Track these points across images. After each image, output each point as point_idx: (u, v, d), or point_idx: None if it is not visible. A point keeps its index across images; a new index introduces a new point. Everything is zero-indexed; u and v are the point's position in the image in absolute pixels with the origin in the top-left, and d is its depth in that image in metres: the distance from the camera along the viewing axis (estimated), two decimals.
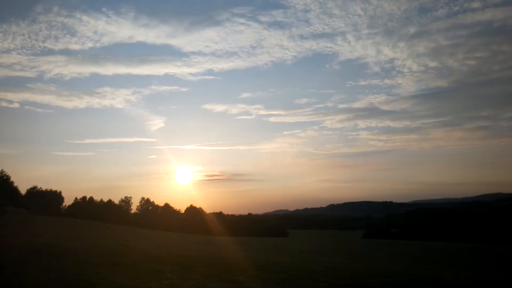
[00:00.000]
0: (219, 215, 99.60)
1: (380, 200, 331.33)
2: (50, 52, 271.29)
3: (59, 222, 51.09)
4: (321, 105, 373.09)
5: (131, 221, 79.75)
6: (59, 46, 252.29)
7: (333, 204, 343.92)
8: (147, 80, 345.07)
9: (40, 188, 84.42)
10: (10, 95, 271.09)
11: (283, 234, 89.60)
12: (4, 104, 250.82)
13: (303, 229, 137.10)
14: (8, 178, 73.77)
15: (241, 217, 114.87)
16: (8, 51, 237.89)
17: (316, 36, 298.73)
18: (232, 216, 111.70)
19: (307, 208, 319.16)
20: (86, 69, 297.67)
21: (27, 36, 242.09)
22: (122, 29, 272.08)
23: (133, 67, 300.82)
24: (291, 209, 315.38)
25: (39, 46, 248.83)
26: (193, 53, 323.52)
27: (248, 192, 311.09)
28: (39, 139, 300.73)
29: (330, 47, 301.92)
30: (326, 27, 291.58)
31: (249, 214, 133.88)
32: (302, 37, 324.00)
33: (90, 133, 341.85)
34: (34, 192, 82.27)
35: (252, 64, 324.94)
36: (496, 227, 72.85)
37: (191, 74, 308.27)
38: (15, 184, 76.26)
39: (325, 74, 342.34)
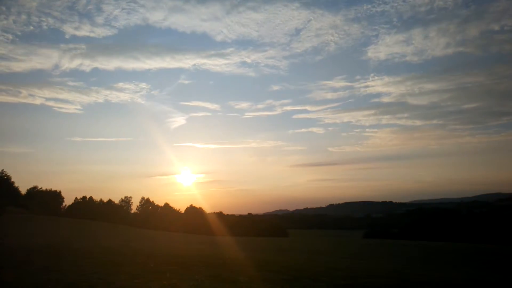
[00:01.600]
0: (219, 215, 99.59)
1: (380, 200, 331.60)
2: (72, 39, 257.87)
3: (59, 222, 51.09)
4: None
5: (131, 221, 79.75)
6: (83, 31, 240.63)
7: (333, 204, 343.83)
8: (173, 73, 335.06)
9: (40, 188, 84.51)
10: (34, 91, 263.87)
11: (283, 234, 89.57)
12: (28, 99, 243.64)
13: (303, 229, 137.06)
14: (8, 178, 73.84)
15: (241, 217, 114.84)
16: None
17: None
18: (232, 216, 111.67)
19: (307, 208, 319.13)
20: (108, 61, 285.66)
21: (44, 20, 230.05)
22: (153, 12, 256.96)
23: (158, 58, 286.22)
24: (291, 209, 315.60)
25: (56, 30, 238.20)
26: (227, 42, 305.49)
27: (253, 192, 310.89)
28: (55, 136, 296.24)
29: None
30: None
31: (249, 214, 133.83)
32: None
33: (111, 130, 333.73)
34: (34, 192, 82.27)
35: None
36: (496, 227, 72.80)
37: (223, 65, 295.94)
38: (16, 184, 76.45)
39: None
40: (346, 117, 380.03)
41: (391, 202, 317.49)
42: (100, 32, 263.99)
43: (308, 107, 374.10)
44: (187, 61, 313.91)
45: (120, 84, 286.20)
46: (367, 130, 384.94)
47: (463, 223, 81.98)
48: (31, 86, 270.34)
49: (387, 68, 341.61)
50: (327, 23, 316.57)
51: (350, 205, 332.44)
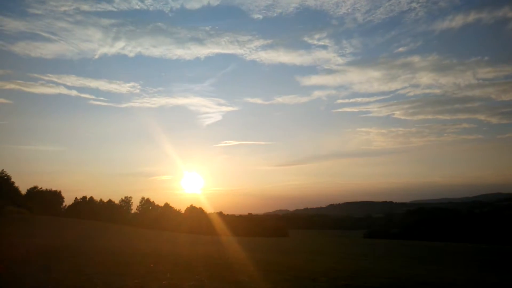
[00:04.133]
0: (219, 215, 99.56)
1: (380, 200, 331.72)
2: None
3: (59, 222, 51.08)
4: None
5: (131, 221, 79.74)
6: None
7: (333, 204, 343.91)
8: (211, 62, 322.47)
9: (40, 188, 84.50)
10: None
11: (283, 234, 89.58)
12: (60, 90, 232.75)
13: (303, 229, 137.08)
14: (8, 178, 73.87)
15: (241, 217, 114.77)
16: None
17: None
18: (232, 216, 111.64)
19: (307, 208, 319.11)
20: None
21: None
22: None
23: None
24: (291, 209, 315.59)
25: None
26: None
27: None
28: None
29: None
30: None
31: (249, 214, 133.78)
32: None
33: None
34: (34, 192, 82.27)
35: None
36: (496, 227, 72.82)
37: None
38: (16, 184, 76.45)
39: None
40: None
41: (391, 202, 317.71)
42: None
43: None
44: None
45: None
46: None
47: (463, 223, 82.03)
48: None
49: None
50: None
51: (350, 205, 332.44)
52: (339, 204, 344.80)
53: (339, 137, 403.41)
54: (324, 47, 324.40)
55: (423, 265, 21.78)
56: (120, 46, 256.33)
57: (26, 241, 21.34)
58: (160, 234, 50.11)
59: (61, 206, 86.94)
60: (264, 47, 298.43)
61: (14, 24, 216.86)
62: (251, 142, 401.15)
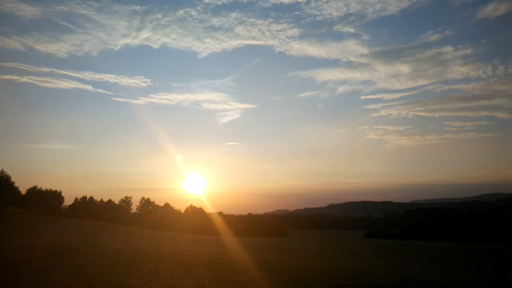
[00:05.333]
0: (219, 215, 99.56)
1: (380, 200, 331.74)
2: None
3: (59, 222, 51.08)
4: None
5: (131, 221, 79.71)
6: None
7: (333, 204, 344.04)
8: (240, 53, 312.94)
9: (40, 188, 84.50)
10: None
11: (283, 234, 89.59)
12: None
13: (303, 229, 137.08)
14: (8, 178, 73.84)
15: (241, 217, 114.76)
16: None
17: None
18: (232, 216, 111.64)
19: (307, 208, 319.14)
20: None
21: None
22: None
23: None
24: (291, 209, 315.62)
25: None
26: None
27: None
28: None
29: None
30: None
31: (249, 214, 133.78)
32: None
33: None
34: (34, 192, 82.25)
35: None
36: (496, 227, 72.79)
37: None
38: (16, 184, 76.45)
39: None
40: None
41: (391, 202, 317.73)
42: None
43: None
44: None
45: None
46: None
47: (463, 223, 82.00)
48: None
49: None
50: None
51: (350, 205, 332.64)
52: (339, 204, 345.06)
53: (356, 133, 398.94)
54: (356, 35, 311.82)
55: (423, 265, 21.78)
56: (143, 37, 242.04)
57: (26, 241, 21.34)
58: (160, 234, 50.10)
59: (61, 206, 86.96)
60: (295, 37, 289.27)
61: (30, 10, 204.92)
62: (263, 144, 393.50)
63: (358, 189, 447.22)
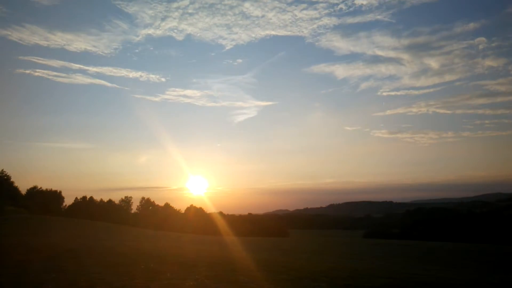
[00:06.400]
0: (220, 215, 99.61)
1: (380, 200, 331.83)
2: None
3: (59, 222, 51.07)
4: None
5: (131, 221, 79.75)
6: None
7: (333, 204, 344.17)
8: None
9: (40, 187, 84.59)
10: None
11: (283, 234, 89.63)
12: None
13: (303, 229, 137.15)
14: (8, 178, 73.86)
15: (241, 217, 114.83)
16: None
17: None
18: (232, 216, 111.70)
19: (307, 208, 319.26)
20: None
21: None
22: None
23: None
24: (291, 209, 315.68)
25: None
26: None
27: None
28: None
29: None
30: None
31: (249, 214, 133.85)
32: None
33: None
34: (34, 192, 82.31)
35: None
36: (496, 227, 72.83)
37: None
38: (16, 184, 76.48)
39: None
40: None
41: (391, 202, 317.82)
42: None
43: None
44: None
45: None
46: None
47: (463, 223, 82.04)
48: None
49: None
50: None
51: (350, 205, 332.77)
52: (339, 204, 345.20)
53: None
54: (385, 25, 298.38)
55: (423, 265, 21.78)
56: (167, 26, 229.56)
57: (26, 241, 21.34)
58: (161, 234, 50.13)
59: (61, 206, 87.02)
60: (326, 28, 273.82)
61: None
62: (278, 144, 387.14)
63: (358, 189, 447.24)
